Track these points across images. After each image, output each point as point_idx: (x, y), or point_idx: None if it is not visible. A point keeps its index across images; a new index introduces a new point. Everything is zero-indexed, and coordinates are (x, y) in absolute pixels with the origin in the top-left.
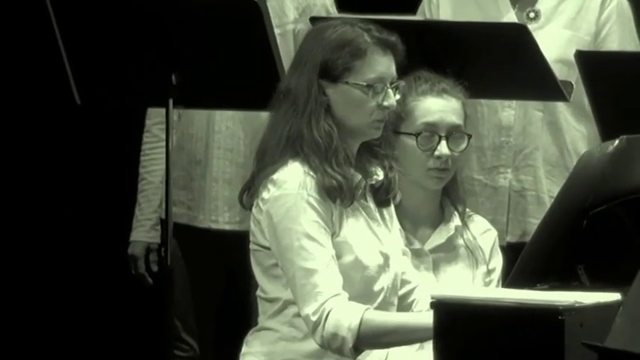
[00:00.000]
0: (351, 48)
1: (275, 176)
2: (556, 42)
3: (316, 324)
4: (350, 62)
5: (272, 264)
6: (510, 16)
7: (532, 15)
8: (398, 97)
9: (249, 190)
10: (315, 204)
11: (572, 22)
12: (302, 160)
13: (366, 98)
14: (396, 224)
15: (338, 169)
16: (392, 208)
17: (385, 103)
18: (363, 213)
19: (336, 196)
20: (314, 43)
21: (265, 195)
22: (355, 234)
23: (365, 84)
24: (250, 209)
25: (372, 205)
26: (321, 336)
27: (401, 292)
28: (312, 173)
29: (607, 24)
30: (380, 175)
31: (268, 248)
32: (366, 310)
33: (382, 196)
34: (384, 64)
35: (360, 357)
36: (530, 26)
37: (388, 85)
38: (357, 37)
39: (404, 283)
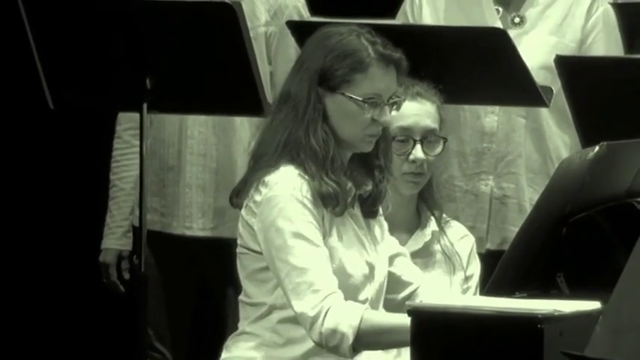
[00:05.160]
0: (352, 60)
1: (267, 178)
2: (541, 48)
3: (314, 319)
4: (350, 75)
5: (258, 268)
6: (495, 21)
7: (517, 20)
8: (395, 112)
9: (240, 192)
10: (309, 204)
11: (557, 29)
12: (297, 165)
13: (360, 112)
14: (387, 233)
15: (334, 177)
16: (382, 219)
17: (379, 119)
18: (351, 221)
19: (330, 203)
20: (317, 48)
21: (257, 197)
22: (342, 241)
23: (361, 99)
24: (240, 209)
25: (359, 214)
26: (320, 332)
27: (403, 294)
28: (306, 177)
29: (593, 31)
30: (369, 185)
31: (256, 252)
32: (366, 309)
33: (369, 207)
34: (384, 81)
35: None
36: (515, 31)
37: (385, 102)
38: (361, 49)
39: (405, 284)
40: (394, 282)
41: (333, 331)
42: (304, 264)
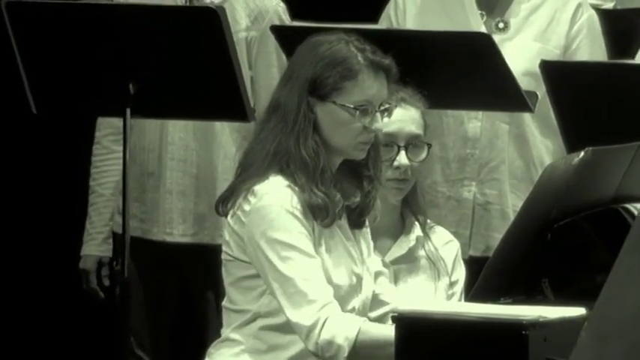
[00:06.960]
0: (342, 68)
1: (256, 188)
2: (525, 54)
3: (311, 328)
4: (340, 82)
5: (244, 275)
6: (479, 26)
7: (501, 25)
8: (386, 119)
9: (227, 200)
10: (299, 215)
11: (541, 35)
12: (287, 176)
13: (352, 120)
14: (371, 246)
15: (323, 189)
16: (367, 230)
17: (371, 127)
18: (339, 232)
19: (320, 215)
20: (306, 57)
21: (246, 207)
22: (331, 252)
23: (352, 106)
24: (226, 217)
25: (346, 225)
26: (316, 342)
27: (378, 313)
28: (296, 188)
29: (577, 37)
30: (357, 196)
31: (244, 261)
32: (364, 321)
33: (356, 217)
34: (374, 88)
35: None
36: (499, 37)
37: (376, 108)
38: (350, 57)
39: (382, 303)
40: (372, 299)
41: (330, 343)
42: (298, 275)
